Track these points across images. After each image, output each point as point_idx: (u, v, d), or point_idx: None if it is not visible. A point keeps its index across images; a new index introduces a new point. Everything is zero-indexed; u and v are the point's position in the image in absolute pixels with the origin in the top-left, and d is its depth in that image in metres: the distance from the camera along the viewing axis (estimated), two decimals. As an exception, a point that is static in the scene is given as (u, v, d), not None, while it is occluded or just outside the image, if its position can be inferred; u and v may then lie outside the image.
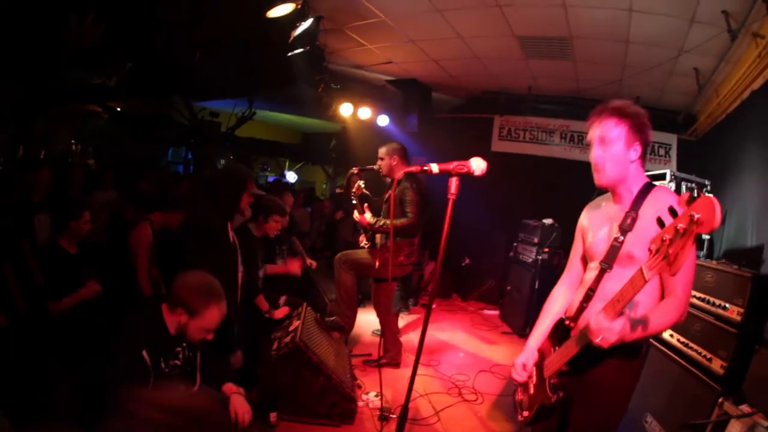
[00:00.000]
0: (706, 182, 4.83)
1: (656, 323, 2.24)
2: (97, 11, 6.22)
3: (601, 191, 2.67)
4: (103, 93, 10.70)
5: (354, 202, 5.84)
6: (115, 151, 12.83)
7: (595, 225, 2.66)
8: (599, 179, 2.53)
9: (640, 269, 1.89)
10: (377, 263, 5.51)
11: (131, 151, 12.79)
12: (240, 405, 3.16)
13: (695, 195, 1.67)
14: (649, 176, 2.57)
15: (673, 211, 1.71)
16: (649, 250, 1.79)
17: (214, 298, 3.03)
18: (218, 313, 3.04)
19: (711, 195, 1.60)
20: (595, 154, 2.52)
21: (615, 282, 2.29)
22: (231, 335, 4.10)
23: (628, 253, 2.37)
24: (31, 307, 4.00)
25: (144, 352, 2.81)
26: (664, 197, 2.37)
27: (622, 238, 2.39)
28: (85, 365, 3.46)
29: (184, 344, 3.15)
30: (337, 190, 10.54)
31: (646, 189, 2.45)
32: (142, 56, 8.59)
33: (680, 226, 1.63)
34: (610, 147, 2.46)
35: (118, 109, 12.70)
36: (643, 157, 2.49)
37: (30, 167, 5.95)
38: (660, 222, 1.74)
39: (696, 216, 1.59)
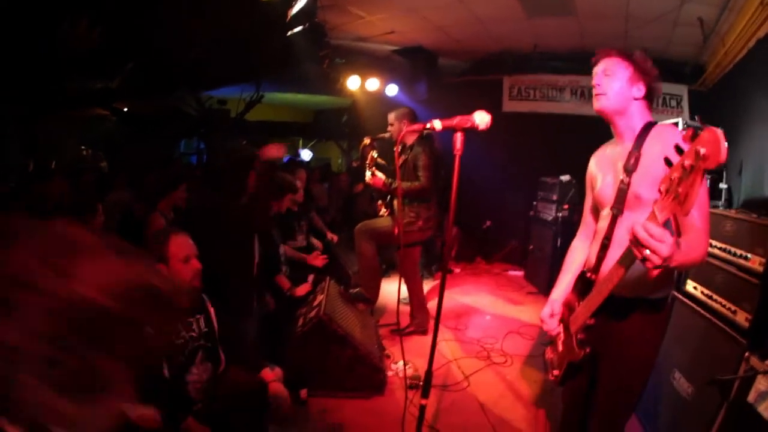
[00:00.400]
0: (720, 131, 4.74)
1: (691, 254, 2.08)
2: (91, 14, 6.20)
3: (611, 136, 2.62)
4: (106, 96, 10.72)
5: (368, 172, 5.82)
6: (126, 152, 12.91)
7: (602, 171, 2.62)
8: (598, 103, 2.48)
9: (653, 211, 1.81)
10: (396, 230, 5.51)
11: (142, 149, 12.85)
12: (280, 391, 3.21)
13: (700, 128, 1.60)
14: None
15: (679, 149, 1.65)
16: (659, 191, 1.73)
17: (170, 232, 3.16)
18: (181, 239, 3.13)
19: (715, 127, 1.54)
20: (597, 81, 2.49)
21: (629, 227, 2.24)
22: (251, 306, 4.15)
23: (635, 194, 2.33)
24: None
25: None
26: (666, 132, 2.34)
27: (627, 179, 2.35)
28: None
29: (199, 315, 3.19)
30: (354, 164, 10.51)
31: (648, 127, 2.41)
32: (142, 55, 8.58)
33: (687, 162, 1.58)
34: (613, 78, 2.44)
35: (125, 109, 12.74)
36: (647, 99, 2.46)
37: (41, 179, 6.02)
38: (668, 161, 1.68)
39: (702, 151, 1.53)
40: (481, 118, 2.57)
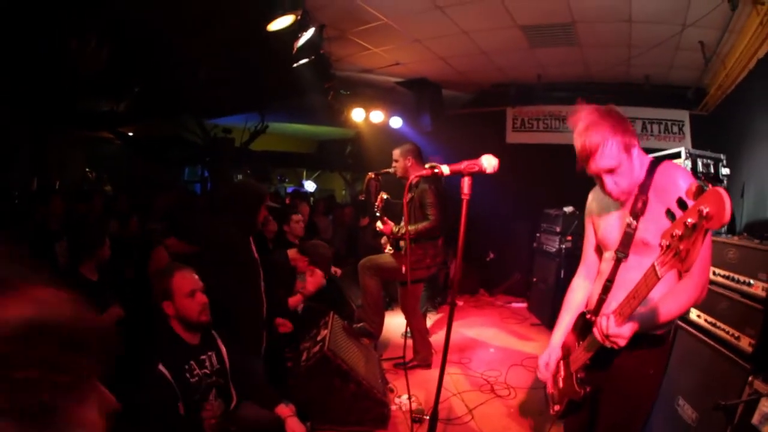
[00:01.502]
0: (722, 156, 4.75)
1: (673, 308, 2.21)
2: (99, 36, 6.29)
3: None
4: (112, 119, 10.81)
5: (378, 214, 5.85)
6: (130, 176, 12.99)
7: (605, 212, 2.58)
8: (616, 195, 2.35)
9: (653, 266, 1.82)
10: (404, 268, 5.50)
11: (146, 174, 12.93)
12: (297, 427, 3.21)
13: (705, 186, 1.60)
14: (664, 156, 2.51)
15: (682, 203, 1.64)
16: (660, 246, 1.73)
17: (175, 268, 3.17)
18: (186, 274, 3.15)
19: (720, 187, 1.52)
20: (609, 185, 2.32)
21: (633, 271, 2.23)
22: (260, 347, 4.14)
23: (642, 240, 2.30)
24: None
25: (161, 366, 2.85)
26: (668, 173, 2.30)
27: (635, 223, 2.32)
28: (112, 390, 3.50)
29: (210, 352, 3.19)
30: (360, 197, 10.51)
31: (653, 167, 2.34)
32: (149, 80, 8.67)
33: (689, 221, 1.57)
34: (618, 169, 2.28)
35: (130, 134, 12.84)
36: (639, 147, 2.34)
37: (42, 200, 6.06)
38: (670, 215, 1.69)
39: (705, 210, 1.52)
40: (489, 162, 2.58)
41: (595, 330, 2.16)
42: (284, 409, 3.31)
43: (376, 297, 5.88)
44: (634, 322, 2.09)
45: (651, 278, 1.85)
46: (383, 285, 5.99)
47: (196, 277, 3.19)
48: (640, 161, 2.35)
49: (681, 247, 1.62)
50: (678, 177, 2.27)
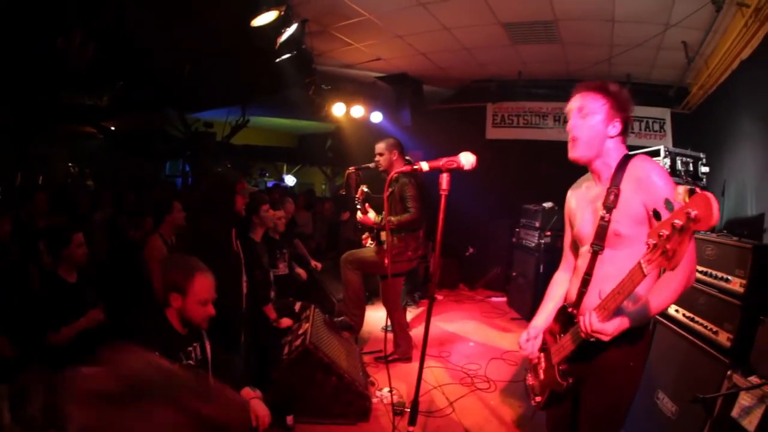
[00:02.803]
0: (701, 155, 4.82)
1: (662, 299, 2.24)
2: (85, 29, 6.25)
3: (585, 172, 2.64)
4: (95, 114, 10.73)
5: (358, 206, 5.88)
6: (112, 171, 12.89)
7: (581, 207, 2.63)
8: (573, 152, 2.50)
9: (639, 264, 1.86)
10: (386, 261, 5.54)
11: (128, 168, 12.85)
12: (260, 409, 3.18)
13: (693, 186, 1.65)
14: (643, 153, 2.55)
15: (669, 204, 1.70)
16: (647, 244, 1.77)
17: (197, 269, 3.08)
18: (207, 281, 3.09)
19: (708, 192, 1.58)
20: (572, 123, 2.49)
21: (609, 265, 2.32)
22: (238, 341, 4.15)
23: (615, 231, 2.34)
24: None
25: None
26: (642, 166, 2.34)
27: (608, 216, 2.36)
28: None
29: (195, 344, 3.20)
30: (341, 192, 10.50)
31: (624, 161, 2.40)
32: (132, 74, 8.61)
33: (677, 222, 1.62)
34: (588, 118, 2.44)
35: (113, 128, 12.74)
36: (623, 134, 2.46)
37: (26, 195, 5.98)
38: (656, 215, 1.74)
39: (693, 213, 1.57)
40: (467, 159, 2.62)
41: (578, 325, 2.21)
42: (248, 392, 3.30)
43: (358, 291, 5.92)
44: (622, 318, 2.14)
45: (637, 275, 1.90)
46: (364, 280, 6.03)
47: (213, 285, 3.13)
48: (614, 146, 2.46)
49: (668, 246, 1.68)
50: (651, 171, 2.31)
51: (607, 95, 2.42)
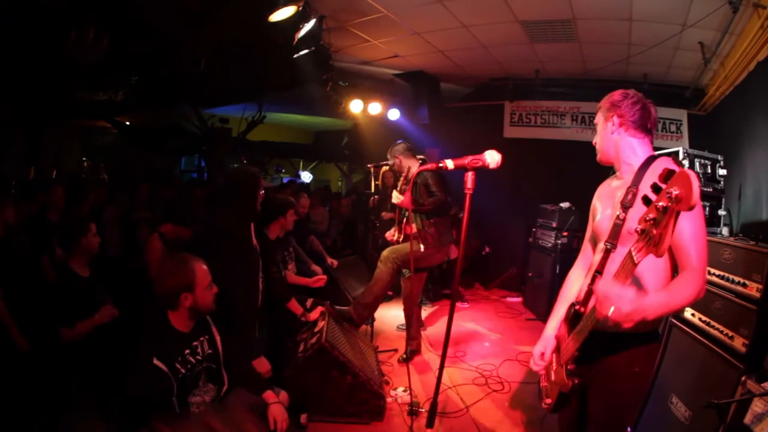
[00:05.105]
0: (719, 157, 4.75)
1: (675, 300, 2.12)
2: (98, 26, 6.25)
3: (614, 170, 2.66)
4: (110, 108, 10.75)
5: (396, 192, 5.81)
6: (126, 165, 12.93)
7: (603, 203, 2.63)
8: (598, 157, 2.70)
9: (629, 252, 1.84)
10: (422, 246, 5.52)
11: (143, 163, 12.87)
12: (278, 413, 3.18)
13: (696, 169, 1.61)
14: (665, 154, 2.53)
15: (656, 188, 1.64)
16: (636, 231, 1.74)
17: (191, 260, 3.15)
18: (203, 265, 3.18)
19: (688, 169, 1.54)
20: (595, 138, 2.72)
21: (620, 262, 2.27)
22: (254, 339, 4.13)
23: (628, 230, 2.29)
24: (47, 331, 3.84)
25: (155, 360, 2.84)
26: (659, 166, 2.31)
27: (623, 215, 2.33)
28: (106, 386, 3.50)
29: (202, 338, 3.21)
30: (374, 199, 10.02)
31: (648, 162, 2.39)
32: (147, 69, 8.62)
33: (660, 204, 1.59)
34: (597, 126, 2.66)
35: (127, 123, 12.78)
36: (627, 129, 2.52)
37: (42, 187, 5.98)
38: (646, 200, 1.69)
39: (674, 193, 1.53)
40: (492, 158, 2.57)
41: (597, 289, 2.00)
42: (270, 395, 3.30)
43: (383, 289, 5.80)
44: (639, 292, 2.00)
45: (628, 265, 1.88)
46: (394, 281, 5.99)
47: (207, 266, 3.21)
48: (626, 144, 2.54)
49: (654, 232, 1.64)
50: (666, 162, 2.32)
51: (603, 102, 2.63)
